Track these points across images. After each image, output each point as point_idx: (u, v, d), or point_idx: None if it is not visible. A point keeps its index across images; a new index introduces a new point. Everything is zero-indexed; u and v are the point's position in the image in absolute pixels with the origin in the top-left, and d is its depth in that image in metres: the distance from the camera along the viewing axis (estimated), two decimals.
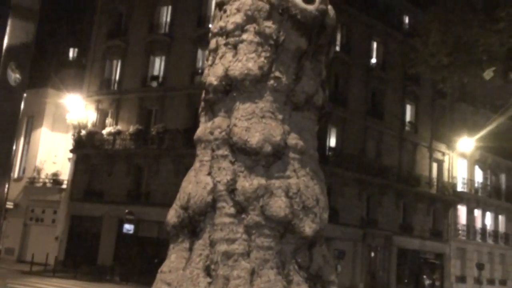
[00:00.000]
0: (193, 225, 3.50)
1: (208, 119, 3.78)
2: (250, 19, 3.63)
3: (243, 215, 3.38)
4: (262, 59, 3.57)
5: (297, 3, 3.52)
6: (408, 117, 36.05)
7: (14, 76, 1.49)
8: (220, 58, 3.72)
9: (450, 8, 10.88)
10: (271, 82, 3.60)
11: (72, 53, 39.70)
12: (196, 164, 3.69)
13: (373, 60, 35.22)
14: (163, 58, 32.40)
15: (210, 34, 3.95)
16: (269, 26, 3.59)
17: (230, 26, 3.69)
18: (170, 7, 33.49)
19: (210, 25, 30.07)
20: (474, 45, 10.50)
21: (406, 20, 37.52)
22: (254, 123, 3.52)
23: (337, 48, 32.19)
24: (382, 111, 33.86)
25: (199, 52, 31.16)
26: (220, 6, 3.89)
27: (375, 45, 35.68)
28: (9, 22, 1.50)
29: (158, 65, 32.63)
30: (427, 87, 35.82)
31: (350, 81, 32.52)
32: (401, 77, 35.05)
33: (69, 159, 32.11)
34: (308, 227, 3.43)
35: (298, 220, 3.42)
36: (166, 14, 33.85)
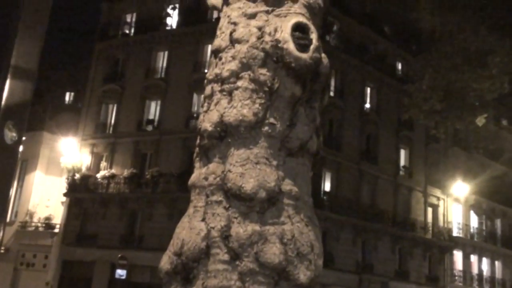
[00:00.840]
0: (187, 271, 3.46)
1: (202, 165, 3.79)
2: (245, 66, 3.70)
3: (237, 262, 3.35)
4: (257, 105, 3.62)
5: (292, 51, 3.60)
6: (402, 162, 36.24)
7: (10, 135, 1.49)
8: (215, 104, 3.76)
9: (442, 54, 11.13)
10: (266, 128, 3.63)
11: (68, 97, 40.11)
12: (190, 209, 3.67)
13: (367, 105, 35.73)
14: (159, 102, 32.75)
15: (205, 81, 4.02)
16: (263, 73, 3.66)
17: (225, 73, 3.76)
18: (166, 53, 34.13)
19: (205, 71, 30.34)
20: (466, 91, 10.70)
21: (399, 66, 38.34)
22: (248, 169, 3.53)
23: (332, 94, 32.71)
24: (376, 155, 34.05)
25: (195, 96, 31.54)
26: (215, 53, 3.97)
27: (368, 90, 36.30)
28: (7, 82, 1.51)
29: (153, 109, 32.92)
30: (420, 132, 36.18)
31: (344, 125, 32.85)
32: (395, 122, 35.45)
33: (62, 203, 31.78)
34: (303, 274, 3.39)
35: (293, 267, 3.39)
36: (162, 60, 34.48)
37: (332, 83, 34.20)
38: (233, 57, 3.75)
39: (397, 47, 37.55)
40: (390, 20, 36.34)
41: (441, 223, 36.68)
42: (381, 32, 36.87)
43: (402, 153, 36.27)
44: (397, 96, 35.02)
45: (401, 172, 35.58)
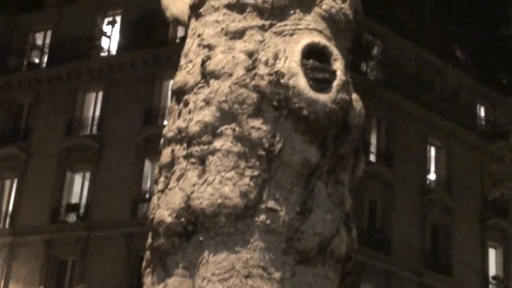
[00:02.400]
0: None
1: (157, 281, 3.75)
2: (227, 116, 3.75)
3: None
4: (247, 180, 3.63)
5: (302, 91, 3.67)
6: (492, 269, 35.95)
7: None
8: (178, 179, 3.78)
9: None
10: (262, 217, 3.62)
11: None
12: None
13: (432, 176, 35.99)
14: (88, 175, 32.85)
15: (162, 140, 4.06)
16: (257, 127, 3.70)
17: (194, 128, 3.80)
18: (100, 94, 34.71)
19: (164, 123, 30.97)
20: None
21: (481, 111, 38.99)
22: (234, 286, 3.49)
23: (372, 158, 32.99)
24: (449, 261, 33.84)
25: (147, 165, 31.74)
26: (178, 95, 4.04)
27: (433, 151, 36.76)
28: None
29: (79, 188, 32.96)
30: None
31: (395, 211, 32.88)
32: (478, 204, 35.56)
33: None
34: None
35: None
36: (94, 105, 34.97)
37: (373, 140, 34.62)
38: (207, 101, 3.80)
39: (477, 83, 38.41)
40: (467, 41, 37.41)
41: None
42: (451, 58, 37.83)
43: (492, 254, 36.11)
44: (480, 161, 35.37)
45: (492, 287, 35.24)
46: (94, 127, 34.19)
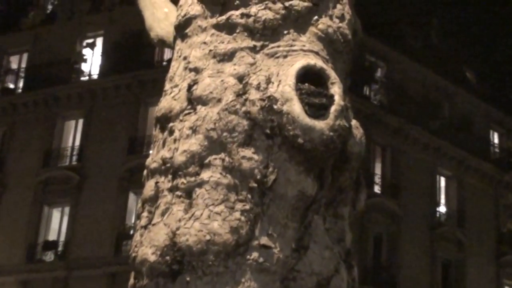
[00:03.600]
0: None
1: None
2: (216, 145, 3.76)
3: None
4: (237, 214, 3.63)
5: (297, 117, 3.68)
6: None
7: None
8: (162, 214, 3.78)
9: None
10: (254, 255, 3.62)
11: None
12: None
13: (442, 209, 35.95)
14: (67, 209, 32.74)
15: (145, 172, 4.06)
16: (248, 157, 3.71)
17: (180, 158, 3.81)
18: (81, 122, 34.73)
19: (150, 152, 30.61)
20: None
21: (495, 138, 39.03)
22: None
23: (376, 190, 32.95)
24: None
25: (131, 198, 31.66)
26: (163, 122, 4.06)
27: (443, 182, 36.76)
28: None
29: (56, 223, 32.83)
30: None
31: (401, 247, 32.79)
32: (492, 238, 35.48)
33: None
34: None
35: None
36: (73, 134, 34.97)
37: (377, 170, 34.61)
38: (194, 129, 3.82)
39: (490, 108, 38.52)
40: (478, 63, 37.57)
41: None
42: (461, 81, 38.00)
43: None
44: (495, 191, 35.36)
45: None
46: (74, 158, 34.16)
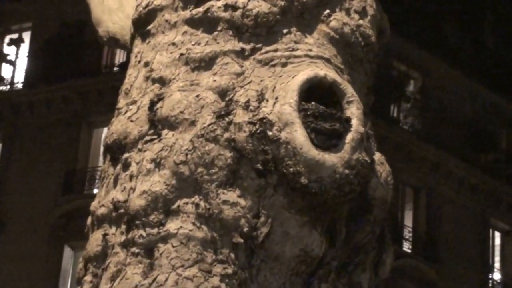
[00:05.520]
0: None
1: None
2: (187, 185, 3.78)
3: None
4: (216, 281, 3.65)
5: (300, 147, 3.69)
6: None
7: None
8: (112, 278, 3.80)
9: None
10: None
11: None
12: None
13: (495, 276, 35.89)
14: None
15: (88, 220, 4.10)
16: (232, 201, 3.73)
17: (138, 202, 3.82)
18: None
19: (93, 191, 30.56)
20: None
21: None
22: None
23: (406, 248, 32.87)
24: None
25: (66, 253, 31.50)
26: (114, 152, 4.08)
27: (498, 239, 36.74)
28: None
29: None
30: None
31: None
32: None
33: None
34: None
35: None
36: None
37: (407, 221, 34.52)
38: (158, 162, 3.83)
39: None
40: None
41: None
42: None
43: None
44: None
45: None
46: None
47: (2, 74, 36.83)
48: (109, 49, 31.24)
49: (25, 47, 36.42)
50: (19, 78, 36.87)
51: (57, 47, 34.55)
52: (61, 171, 32.65)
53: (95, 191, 29.66)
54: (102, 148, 4.18)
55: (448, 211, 35.23)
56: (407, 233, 34.54)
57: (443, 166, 35.68)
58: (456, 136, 36.01)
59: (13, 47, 36.14)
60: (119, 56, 33.46)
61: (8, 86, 37.30)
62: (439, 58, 36.30)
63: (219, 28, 3.98)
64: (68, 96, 34.04)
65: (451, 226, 34.81)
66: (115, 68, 33.37)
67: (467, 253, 35.03)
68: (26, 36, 36.35)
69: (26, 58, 36.45)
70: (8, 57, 35.99)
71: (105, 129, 4.29)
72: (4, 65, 36.72)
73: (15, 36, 36.18)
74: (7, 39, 36.16)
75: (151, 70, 4.05)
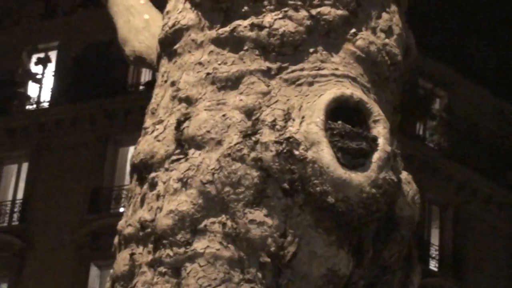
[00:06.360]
0: None
1: None
2: (214, 204, 3.78)
3: None
4: None
5: (327, 166, 3.68)
6: None
7: None
8: None
9: None
10: None
11: None
12: None
13: None
14: (12, 279, 32.71)
15: (115, 239, 4.07)
16: (259, 221, 3.72)
17: (165, 221, 3.82)
18: (24, 166, 34.66)
19: (120, 210, 30.55)
20: None
21: None
22: None
23: (433, 267, 32.73)
24: None
25: (93, 272, 31.53)
26: (141, 172, 4.09)
27: None
28: None
29: None
30: None
31: None
32: None
33: None
34: None
35: None
36: (15, 182, 34.95)
37: (434, 240, 34.37)
38: (185, 182, 3.83)
39: None
40: None
41: None
42: None
43: None
44: None
45: None
46: (15, 216, 34.16)
47: (29, 93, 36.93)
48: (135, 68, 31.32)
49: (51, 66, 36.53)
50: (46, 97, 37.02)
51: (84, 66, 34.68)
52: (87, 189, 32.74)
53: (121, 209, 29.73)
54: (128, 167, 4.19)
55: (475, 229, 35.10)
56: (434, 251, 34.43)
57: (469, 183, 35.59)
58: (482, 154, 35.90)
59: (40, 66, 36.24)
60: (145, 75, 33.56)
61: (35, 105, 37.46)
62: (464, 75, 36.23)
63: (245, 48, 3.98)
64: (94, 115, 34.14)
65: (478, 244, 34.66)
66: (141, 87, 33.46)
67: (494, 272, 34.87)
68: (53, 55, 36.48)
69: (52, 77, 36.53)
70: (37, 76, 36.07)
71: (131, 148, 4.30)
72: (31, 83, 36.81)
73: (41, 55, 36.28)
74: (34, 58, 36.25)
75: (178, 90, 4.05)
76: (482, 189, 35.83)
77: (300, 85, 3.89)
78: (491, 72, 38.07)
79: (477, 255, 34.59)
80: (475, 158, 35.64)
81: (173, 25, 4.20)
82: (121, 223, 4.08)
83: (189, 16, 4.15)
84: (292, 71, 3.93)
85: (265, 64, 3.95)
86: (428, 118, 36.50)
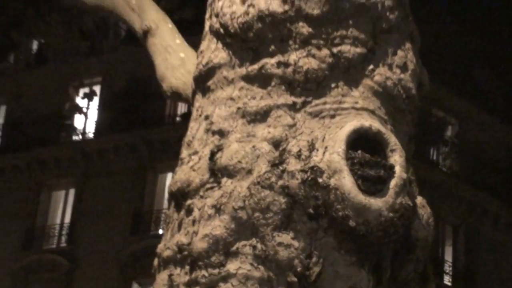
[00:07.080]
0: None
1: None
2: (245, 228, 3.79)
3: None
4: None
5: (348, 192, 3.69)
6: None
7: None
8: None
9: None
10: None
11: None
12: None
13: None
14: None
15: (155, 261, 4.08)
16: (286, 243, 3.73)
17: (200, 245, 3.83)
18: (71, 192, 34.74)
19: (159, 232, 30.66)
20: None
21: None
22: None
23: (447, 281, 32.51)
24: None
25: None
26: (178, 199, 4.08)
27: None
28: None
29: None
30: None
31: None
32: None
33: None
34: None
35: None
36: (63, 207, 35.08)
37: (448, 257, 34.18)
38: (218, 208, 3.84)
39: None
40: None
41: None
42: None
43: None
44: None
45: None
46: (63, 238, 34.23)
47: (75, 125, 37.14)
48: (172, 102, 31.41)
49: (96, 99, 36.72)
50: (91, 128, 37.20)
51: (125, 99, 34.85)
52: (129, 213, 32.81)
53: (160, 231, 29.78)
54: (166, 192, 4.20)
55: (486, 246, 34.91)
56: (447, 267, 34.26)
57: (480, 204, 35.43)
58: (491, 177, 35.78)
59: (85, 100, 36.45)
60: (181, 108, 33.65)
61: (80, 136, 37.65)
62: (474, 104, 36.17)
63: (273, 84, 3.99)
64: (135, 144, 34.26)
65: (488, 260, 34.47)
66: (178, 118, 33.55)
67: (504, 286, 34.64)
68: (97, 89, 36.68)
69: (96, 110, 36.72)
70: (84, 109, 36.31)
71: (169, 174, 4.33)
72: (77, 116, 37.00)
73: (87, 89, 36.50)
74: (80, 93, 36.46)
75: (211, 123, 4.06)
76: (491, 209, 35.69)
77: (323, 117, 3.90)
78: (498, 100, 37.96)
79: (488, 270, 34.39)
80: (485, 181, 35.51)
81: (207, 63, 4.21)
82: (160, 246, 4.08)
83: (221, 55, 4.16)
84: (316, 105, 3.94)
85: (291, 99, 3.95)
86: (441, 144, 36.43)
